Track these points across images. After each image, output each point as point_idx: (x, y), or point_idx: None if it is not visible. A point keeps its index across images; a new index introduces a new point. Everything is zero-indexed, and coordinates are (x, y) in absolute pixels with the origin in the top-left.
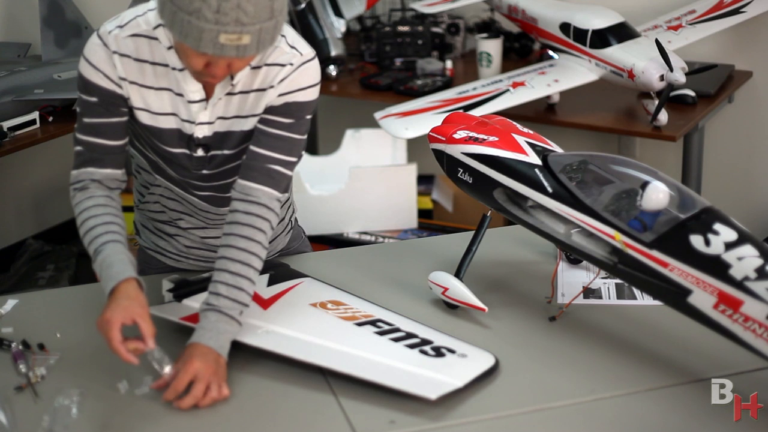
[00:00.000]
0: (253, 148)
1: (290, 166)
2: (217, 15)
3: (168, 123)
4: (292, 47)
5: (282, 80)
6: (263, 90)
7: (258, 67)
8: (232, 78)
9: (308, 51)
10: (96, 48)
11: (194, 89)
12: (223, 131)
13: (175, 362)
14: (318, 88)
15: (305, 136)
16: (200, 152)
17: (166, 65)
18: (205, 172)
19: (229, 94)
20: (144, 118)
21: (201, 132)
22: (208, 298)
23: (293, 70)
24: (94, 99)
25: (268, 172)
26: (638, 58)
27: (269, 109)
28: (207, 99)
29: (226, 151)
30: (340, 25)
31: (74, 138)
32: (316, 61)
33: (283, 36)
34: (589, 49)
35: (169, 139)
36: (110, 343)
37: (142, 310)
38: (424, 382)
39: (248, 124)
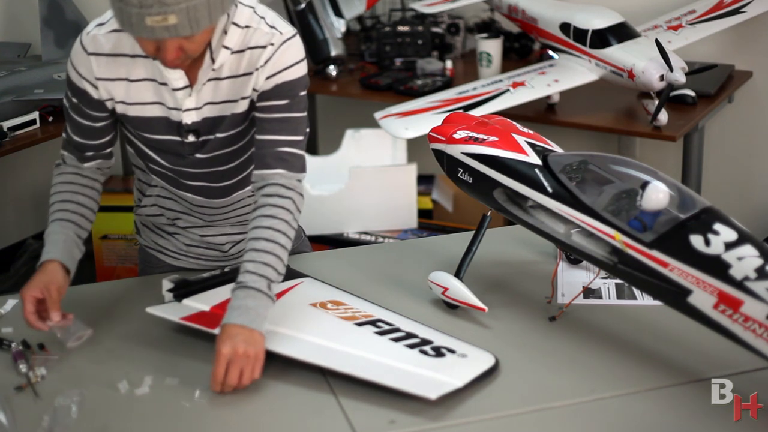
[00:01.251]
0: (258, 137)
1: (298, 145)
2: None
3: (154, 111)
4: (272, 27)
5: (267, 61)
6: (250, 74)
7: (241, 51)
8: (213, 62)
9: (288, 29)
10: (77, 50)
11: (176, 77)
12: (213, 116)
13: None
14: (304, 63)
15: (305, 113)
16: (191, 137)
17: (147, 56)
18: (198, 156)
19: (216, 79)
20: (131, 110)
21: (189, 118)
22: (237, 278)
23: (275, 50)
24: (74, 99)
25: (279, 156)
26: (638, 58)
27: (262, 95)
28: (192, 85)
29: (218, 135)
30: (340, 25)
31: (64, 126)
32: (298, 37)
33: (262, 17)
34: (589, 49)
35: (157, 127)
36: (23, 314)
37: (51, 286)
38: (424, 382)
39: (239, 107)
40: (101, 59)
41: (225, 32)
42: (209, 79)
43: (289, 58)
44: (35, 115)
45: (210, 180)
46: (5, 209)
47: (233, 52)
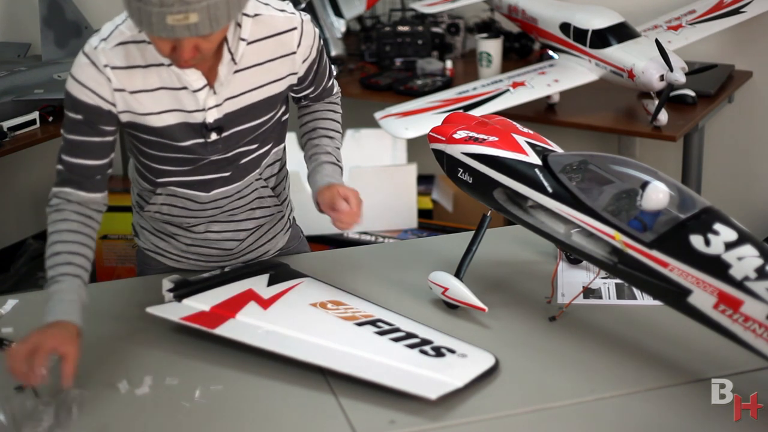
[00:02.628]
0: (306, 101)
1: (333, 73)
2: None
3: (170, 119)
4: (282, 11)
5: (299, 44)
6: (282, 57)
7: (259, 40)
8: (233, 57)
9: (294, 9)
10: (83, 66)
11: (195, 77)
12: (234, 110)
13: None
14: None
15: (325, 55)
16: (214, 135)
17: (161, 64)
18: (219, 157)
19: (236, 72)
20: (149, 120)
21: (212, 116)
22: (323, 156)
23: (302, 34)
24: (79, 116)
25: (328, 90)
26: (638, 58)
27: (301, 80)
28: (211, 83)
29: (240, 127)
30: (340, 25)
31: (57, 157)
32: (306, 14)
33: (266, 4)
34: (589, 49)
35: (177, 134)
36: (31, 366)
37: (72, 349)
38: (424, 382)
39: (263, 93)
40: (118, 72)
41: (239, 25)
42: (233, 72)
43: (313, 38)
44: (35, 115)
45: (227, 182)
46: (5, 209)
47: (249, 43)
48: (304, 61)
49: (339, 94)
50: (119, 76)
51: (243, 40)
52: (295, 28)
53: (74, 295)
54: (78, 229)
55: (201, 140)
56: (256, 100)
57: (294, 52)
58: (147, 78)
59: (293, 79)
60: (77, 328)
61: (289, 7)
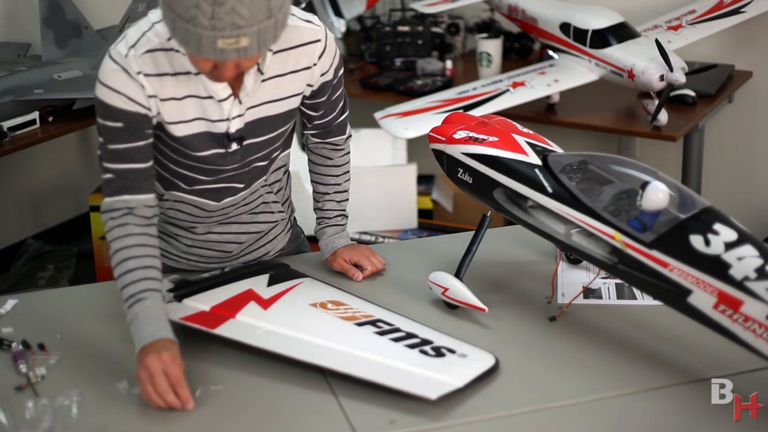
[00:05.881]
0: (313, 122)
1: (347, 110)
2: (213, 21)
3: (194, 128)
4: (307, 21)
5: (320, 56)
6: (299, 71)
7: (285, 50)
8: (260, 69)
9: (321, 23)
10: (115, 73)
11: (221, 87)
12: (254, 119)
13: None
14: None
15: (343, 84)
16: (234, 146)
17: (188, 72)
18: (236, 166)
19: (262, 81)
20: (175, 130)
21: (234, 126)
22: (331, 218)
23: (325, 48)
24: (119, 124)
25: (339, 126)
26: (638, 58)
27: (313, 93)
28: (235, 93)
29: (257, 139)
30: (340, 25)
31: (101, 166)
32: (332, 34)
33: (292, 14)
34: (589, 49)
35: (200, 143)
36: (158, 390)
37: (180, 374)
38: (424, 382)
39: (285, 106)
40: (150, 79)
41: None
42: (260, 82)
43: (335, 56)
44: (35, 115)
45: (237, 191)
46: (5, 209)
47: (274, 53)
48: (321, 74)
49: (350, 139)
50: (152, 83)
51: (269, 50)
52: (318, 41)
53: (159, 310)
54: (144, 242)
55: (221, 150)
56: (277, 112)
57: (315, 64)
58: (176, 86)
59: (307, 91)
60: (173, 342)
61: (315, 19)
